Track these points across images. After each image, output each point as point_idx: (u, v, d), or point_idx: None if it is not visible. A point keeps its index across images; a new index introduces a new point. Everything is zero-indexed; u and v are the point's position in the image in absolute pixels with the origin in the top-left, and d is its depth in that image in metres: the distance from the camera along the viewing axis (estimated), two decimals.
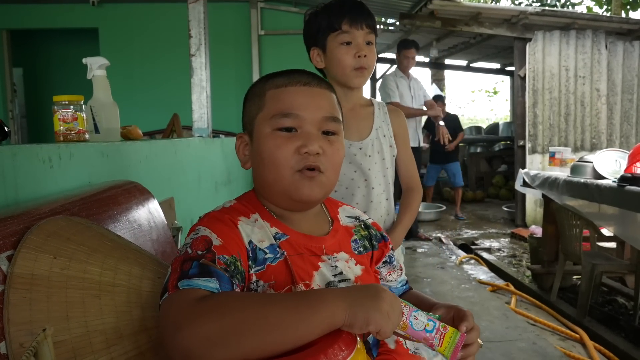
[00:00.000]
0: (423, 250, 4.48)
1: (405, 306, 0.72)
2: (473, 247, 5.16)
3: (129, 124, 1.83)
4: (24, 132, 6.67)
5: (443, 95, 6.19)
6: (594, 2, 11.77)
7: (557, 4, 12.33)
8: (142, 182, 1.50)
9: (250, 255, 0.77)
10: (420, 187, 1.54)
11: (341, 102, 1.45)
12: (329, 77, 1.42)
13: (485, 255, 4.74)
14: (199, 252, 0.71)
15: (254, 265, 0.77)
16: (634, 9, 10.94)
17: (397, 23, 6.61)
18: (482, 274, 4.03)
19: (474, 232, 5.87)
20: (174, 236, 1.86)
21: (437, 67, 10.56)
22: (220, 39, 6.08)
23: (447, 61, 9.84)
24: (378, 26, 7.72)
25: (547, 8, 7.98)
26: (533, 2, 12.85)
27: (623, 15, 10.38)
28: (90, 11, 6.10)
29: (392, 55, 9.58)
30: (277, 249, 0.80)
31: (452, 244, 5.12)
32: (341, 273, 0.84)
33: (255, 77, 6.34)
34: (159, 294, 0.69)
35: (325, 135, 0.82)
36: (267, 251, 0.79)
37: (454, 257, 4.34)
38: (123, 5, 6.22)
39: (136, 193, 1.26)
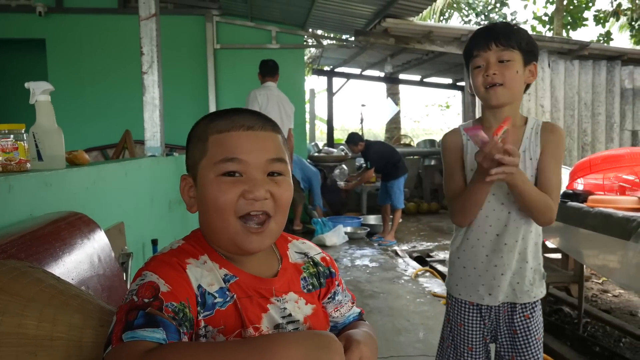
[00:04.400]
0: (379, 264, 4.54)
1: None
2: (428, 259, 5.27)
3: (78, 138, 1.77)
4: None
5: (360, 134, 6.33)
6: (537, 22, 12.39)
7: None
8: (90, 209, 1.45)
9: (199, 300, 0.76)
10: (553, 211, 1.38)
11: (492, 123, 1.44)
12: None
13: (439, 267, 4.85)
14: (146, 300, 0.69)
15: (202, 311, 0.76)
16: (574, 29, 11.59)
17: (353, 39, 6.72)
18: (437, 286, 4.11)
19: (429, 244, 6.00)
20: (123, 263, 1.81)
21: (392, 82, 10.80)
22: (175, 52, 6.00)
23: (402, 76, 10.09)
24: (330, 42, 7.78)
25: None
26: (482, 21, 13.39)
27: (564, 34, 10.99)
28: (37, 21, 5.87)
29: (350, 70, 9.74)
30: (227, 292, 0.79)
31: (407, 256, 5.21)
32: (290, 315, 0.83)
33: (212, 90, 6.28)
34: (103, 345, 0.67)
35: (272, 177, 0.82)
36: (216, 295, 0.78)
37: (409, 271, 4.41)
38: (72, 16, 6.03)
39: (81, 225, 1.22)
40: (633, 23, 11.77)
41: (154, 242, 2.42)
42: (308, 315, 0.86)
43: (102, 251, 1.25)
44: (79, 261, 1.10)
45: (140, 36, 3.00)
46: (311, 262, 0.95)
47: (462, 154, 1.46)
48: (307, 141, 8.98)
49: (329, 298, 0.95)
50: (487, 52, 1.35)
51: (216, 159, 0.80)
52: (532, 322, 1.45)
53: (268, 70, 4.58)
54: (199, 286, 0.77)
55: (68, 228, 1.16)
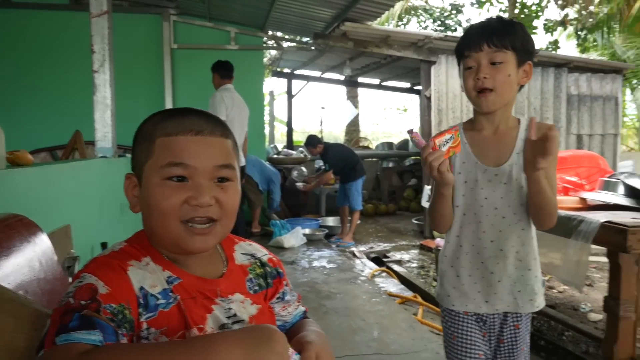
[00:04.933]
0: (336, 265, 4.57)
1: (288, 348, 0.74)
2: (385, 259, 5.35)
3: (27, 139, 1.70)
4: None
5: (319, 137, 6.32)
6: None
7: (459, 28, 13.30)
8: (33, 211, 1.40)
9: (142, 302, 0.75)
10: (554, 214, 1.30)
11: (484, 125, 1.39)
12: None
13: (395, 267, 4.94)
14: (82, 302, 0.68)
15: (144, 312, 0.75)
16: None
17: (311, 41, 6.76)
18: (393, 286, 4.19)
19: (386, 244, 6.09)
20: (69, 267, 1.75)
21: (351, 85, 10.92)
22: (130, 51, 5.86)
23: (361, 79, 10.22)
24: (290, 44, 7.77)
25: (449, 34, 8.58)
26: (438, 27, 13.74)
27: None
28: None
29: (310, 72, 9.77)
30: (170, 293, 0.78)
31: (365, 257, 5.28)
32: (235, 315, 0.84)
33: (168, 91, 6.17)
34: (36, 350, 0.65)
35: (219, 183, 0.82)
36: (159, 297, 0.77)
37: (366, 271, 4.47)
38: (20, 12, 5.78)
39: (20, 228, 1.18)
40: (579, 33, 12.37)
41: (104, 246, 2.36)
42: (253, 315, 0.87)
43: (44, 254, 1.21)
44: (18, 265, 1.07)
45: (91, 33, 2.92)
46: (258, 263, 0.96)
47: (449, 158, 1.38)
48: (267, 143, 8.95)
49: (277, 298, 0.96)
50: (479, 53, 1.27)
51: (162, 163, 0.79)
52: (519, 333, 1.39)
53: (227, 71, 4.53)
54: (141, 288, 0.76)
55: (6, 230, 1.12)
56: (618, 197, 2.69)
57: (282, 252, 5.07)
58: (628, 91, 15.77)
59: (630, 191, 2.64)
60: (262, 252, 0.99)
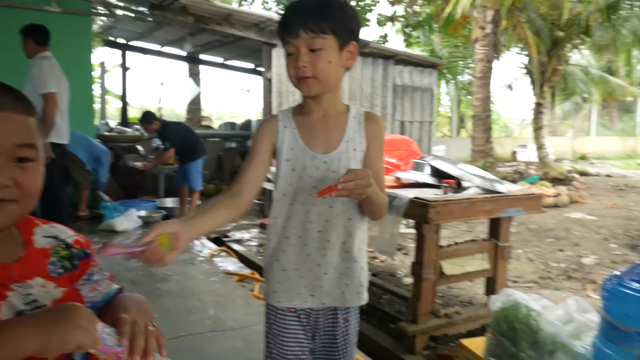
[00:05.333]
0: None
1: (98, 323, 0.74)
2: (225, 239, 5.38)
3: None
4: None
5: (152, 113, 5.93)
6: None
7: None
8: None
9: None
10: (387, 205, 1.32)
11: (313, 109, 1.31)
12: None
13: (235, 246, 5.01)
14: None
15: None
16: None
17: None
18: (231, 265, 4.24)
19: (227, 224, 6.11)
20: None
21: (193, 62, 10.55)
22: None
23: (203, 56, 9.91)
24: (124, 12, 7.18)
25: None
26: (281, 10, 13.96)
27: None
28: None
29: (148, 45, 9.16)
30: None
31: (204, 238, 5.23)
32: (35, 300, 0.80)
33: None
34: None
35: (19, 163, 0.77)
36: None
37: (205, 251, 4.44)
38: None
39: None
40: (405, 29, 13.71)
41: None
42: (57, 299, 0.84)
43: None
44: None
45: None
46: (62, 245, 0.91)
47: (276, 141, 1.32)
48: (98, 119, 8.21)
49: (84, 279, 0.93)
50: (297, 40, 1.20)
51: None
52: (350, 326, 1.35)
53: (44, 37, 4.01)
54: None
55: None
56: (425, 176, 3.09)
57: (115, 236, 4.76)
58: (444, 85, 18.10)
59: (434, 171, 3.07)
60: (68, 234, 0.95)
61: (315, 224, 1.28)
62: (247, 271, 4.05)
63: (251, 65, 10.42)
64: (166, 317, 2.81)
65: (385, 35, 13.31)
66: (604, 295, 1.21)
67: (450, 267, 2.81)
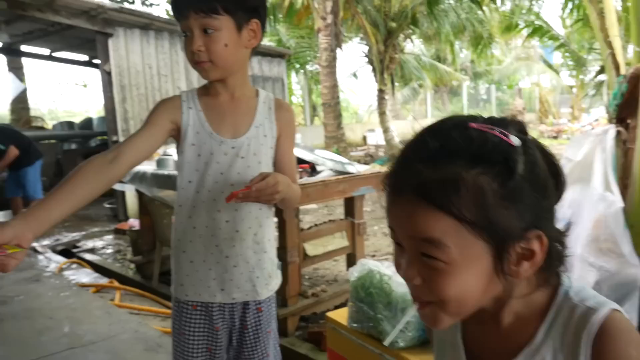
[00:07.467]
0: None
1: None
2: (75, 250, 4.91)
3: None
4: None
5: None
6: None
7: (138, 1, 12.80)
8: None
9: None
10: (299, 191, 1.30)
11: (219, 90, 1.20)
12: None
13: (88, 256, 4.60)
14: None
15: None
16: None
17: None
18: (85, 276, 3.91)
19: (75, 234, 5.57)
20: None
21: (13, 54, 9.26)
22: None
23: (25, 48, 8.75)
24: None
25: (126, 5, 8.21)
26: None
27: None
28: None
29: None
30: None
31: (50, 251, 4.72)
32: None
33: None
34: None
35: None
36: None
37: (52, 266, 4.01)
38: None
39: None
40: None
41: None
42: None
43: None
44: None
45: None
46: None
47: (179, 122, 1.21)
48: None
49: None
50: (187, 20, 1.11)
51: None
52: (263, 316, 1.29)
53: None
54: None
55: None
56: None
57: None
58: (294, 74, 18.54)
59: None
60: None
61: (223, 213, 1.21)
62: (104, 281, 3.76)
63: (85, 57, 9.50)
64: (11, 343, 2.50)
65: None
66: None
67: (312, 248, 2.95)
